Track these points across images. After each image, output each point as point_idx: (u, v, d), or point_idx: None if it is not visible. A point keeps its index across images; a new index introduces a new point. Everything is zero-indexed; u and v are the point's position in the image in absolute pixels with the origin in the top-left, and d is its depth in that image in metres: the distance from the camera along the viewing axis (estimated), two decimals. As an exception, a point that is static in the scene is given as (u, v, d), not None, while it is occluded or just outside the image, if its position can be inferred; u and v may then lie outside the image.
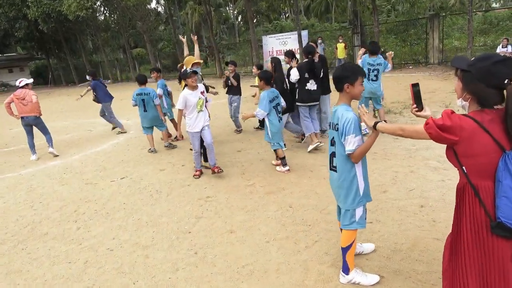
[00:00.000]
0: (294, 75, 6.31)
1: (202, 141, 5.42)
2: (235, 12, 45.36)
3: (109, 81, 9.99)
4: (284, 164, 5.44)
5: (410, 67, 17.34)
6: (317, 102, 6.41)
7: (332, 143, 2.72)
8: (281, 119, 5.46)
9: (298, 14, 19.67)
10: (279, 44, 20.91)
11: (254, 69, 7.58)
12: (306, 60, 6.22)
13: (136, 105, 7.12)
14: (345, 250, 2.76)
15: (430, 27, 16.68)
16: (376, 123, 2.41)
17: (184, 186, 5.26)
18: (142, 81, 7.10)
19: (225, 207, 4.42)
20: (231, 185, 5.10)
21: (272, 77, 5.52)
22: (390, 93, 10.46)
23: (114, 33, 35.80)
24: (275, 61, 6.45)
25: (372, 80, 6.97)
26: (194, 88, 5.17)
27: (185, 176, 5.64)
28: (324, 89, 6.51)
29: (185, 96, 5.10)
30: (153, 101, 7.08)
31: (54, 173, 6.50)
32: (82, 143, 8.79)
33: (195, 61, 6.12)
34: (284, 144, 6.47)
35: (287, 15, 43.65)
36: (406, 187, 4.43)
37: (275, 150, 5.52)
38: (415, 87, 2.24)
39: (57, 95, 24.59)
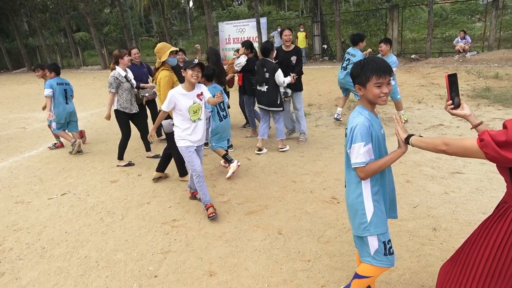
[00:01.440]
0: (240, 63, 6.13)
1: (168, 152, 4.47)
2: (187, -3, 43.30)
3: None
4: (230, 160, 4.86)
5: (370, 58, 17.21)
6: (266, 107, 5.57)
7: None
8: (225, 117, 4.97)
9: (257, 0, 18.75)
10: (236, 32, 19.99)
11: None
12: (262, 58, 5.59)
13: (50, 95, 6.09)
14: (357, 276, 2.24)
15: (390, 18, 16.57)
16: (409, 137, 1.94)
17: (143, 204, 4.31)
18: (58, 70, 6.32)
19: (197, 234, 3.56)
20: (201, 203, 4.23)
21: (214, 73, 5.02)
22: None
23: (53, 14, 32.56)
24: (209, 53, 5.76)
25: (342, 69, 6.70)
26: (191, 86, 3.72)
27: (143, 191, 4.68)
28: (296, 85, 5.79)
29: (174, 96, 3.64)
30: (72, 93, 6.49)
31: (-25, 187, 5.23)
32: (14, 144, 7.40)
33: (172, 49, 4.50)
34: (231, 145, 5.86)
35: (239, 2, 42.41)
36: (409, 202, 3.85)
37: (215, 151, 5.06)
38: (452, 78, 1.86)
39: (-13, 83, 21.85)
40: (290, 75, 5.49)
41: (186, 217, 3.92)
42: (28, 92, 15.37)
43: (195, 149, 3.83)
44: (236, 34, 19.94)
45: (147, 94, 6.12)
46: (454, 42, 14.46)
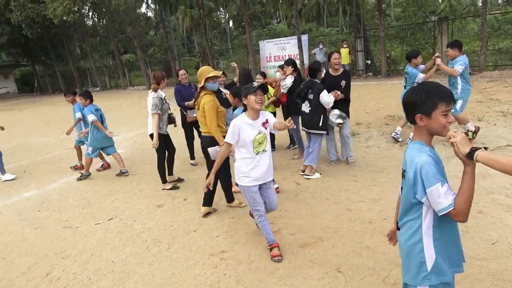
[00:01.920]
0: (286, 84, 6.00)
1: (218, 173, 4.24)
2: (227, 17, 44.40)
3: None
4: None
5: (417, 72, 16.49)
6: (306, 129, 5.35)
7: None
8: None
9: (297, 17, 18.70)
10: (277, 50, 19.99)
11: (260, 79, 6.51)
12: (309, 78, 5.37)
13: (96, 119, 6.21)
14: None
15: (439, 31, 15.83)
16: (474, 151, 1.56)
17: (189, 232, 4.13)
18: (92, 97, 6.45)
19: (248, 270, 3.31)
20: (250, 231, 3.99)
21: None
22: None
23: (103, 38, 34.51)
24: (241, 74, 5.40)
25: (404, 88, 6.64)
26: (256, 114, 3.29)
27: (190, 217, 4.52)
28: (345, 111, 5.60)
29: (239, 126, 3.19)
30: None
31: (27, 209, 5.31)
32: (64, 165, 7.60)
33: (211, 74, 4.09)
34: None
35: (278, 20, 42.83)
36: (485, 238, 3.38)
37: None
38: None
39: (42, 104, 23.27)
40: (337, 91, 5.27)
41: (235, 248, 3.69)
42: (79, 113, 16.06)
43: (263, 187, 3.44)
44: (277, 52, 19.93)
45: (194, 115, 6.06)
46: (512, 50, 13.48)
